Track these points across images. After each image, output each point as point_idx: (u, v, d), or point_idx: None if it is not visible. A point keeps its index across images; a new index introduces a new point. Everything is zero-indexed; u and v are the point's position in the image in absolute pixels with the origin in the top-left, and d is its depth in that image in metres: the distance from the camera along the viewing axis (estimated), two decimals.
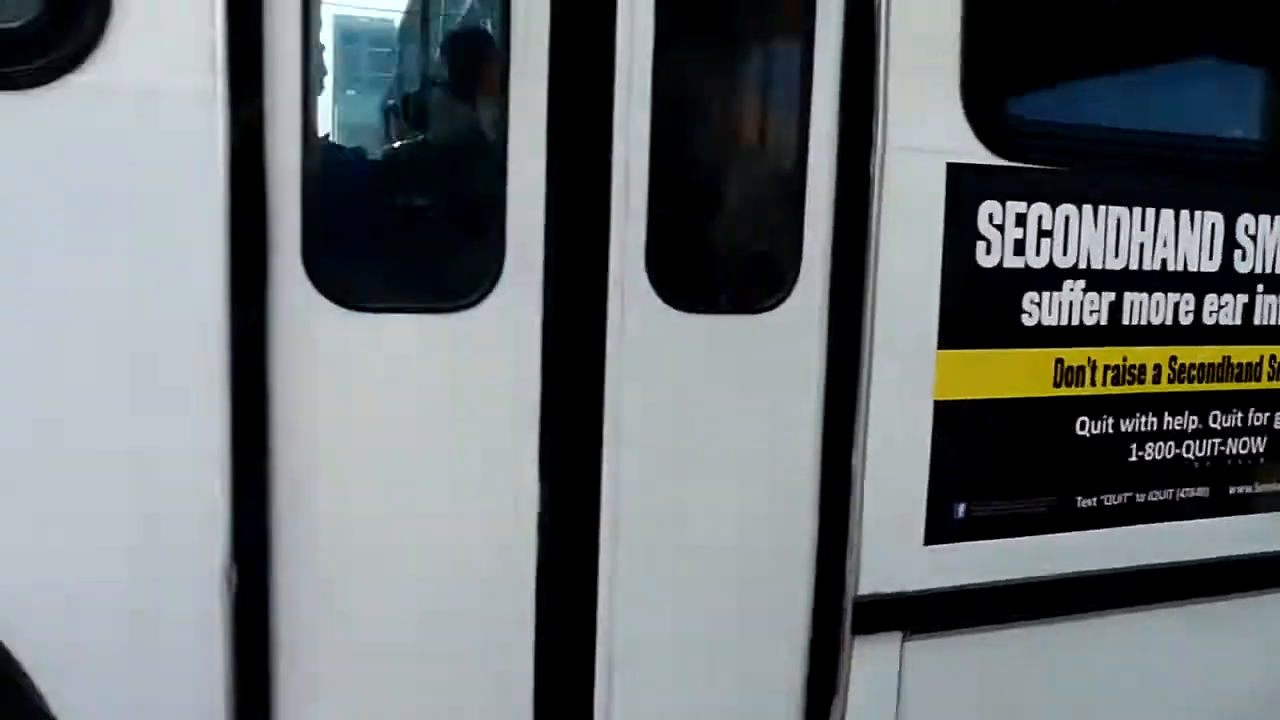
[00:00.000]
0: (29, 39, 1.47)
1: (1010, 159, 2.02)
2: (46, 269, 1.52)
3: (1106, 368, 2.16)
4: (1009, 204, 2.03)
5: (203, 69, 1.53)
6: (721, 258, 2.07)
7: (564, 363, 1.82)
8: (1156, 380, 2.20)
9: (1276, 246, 2.26)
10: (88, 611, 1.58)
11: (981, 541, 2.10)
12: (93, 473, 1.57)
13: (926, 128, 1.96)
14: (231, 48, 1.54)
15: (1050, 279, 2.09)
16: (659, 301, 1.86)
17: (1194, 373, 2.24)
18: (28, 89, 1.47)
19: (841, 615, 2.03)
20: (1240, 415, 2.29)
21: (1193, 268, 2.20)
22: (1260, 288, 2.26)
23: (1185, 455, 2.25)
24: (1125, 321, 2.16)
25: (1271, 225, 2.25)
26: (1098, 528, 2.19)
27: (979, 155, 2.00)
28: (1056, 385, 2.12)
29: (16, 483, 1.53)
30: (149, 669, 1.62)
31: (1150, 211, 2.14)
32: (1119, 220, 2.13)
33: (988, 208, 2.02)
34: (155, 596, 1.61)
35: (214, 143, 1.54)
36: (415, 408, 1.75)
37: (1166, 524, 2.24)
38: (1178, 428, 2.24)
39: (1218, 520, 2.28)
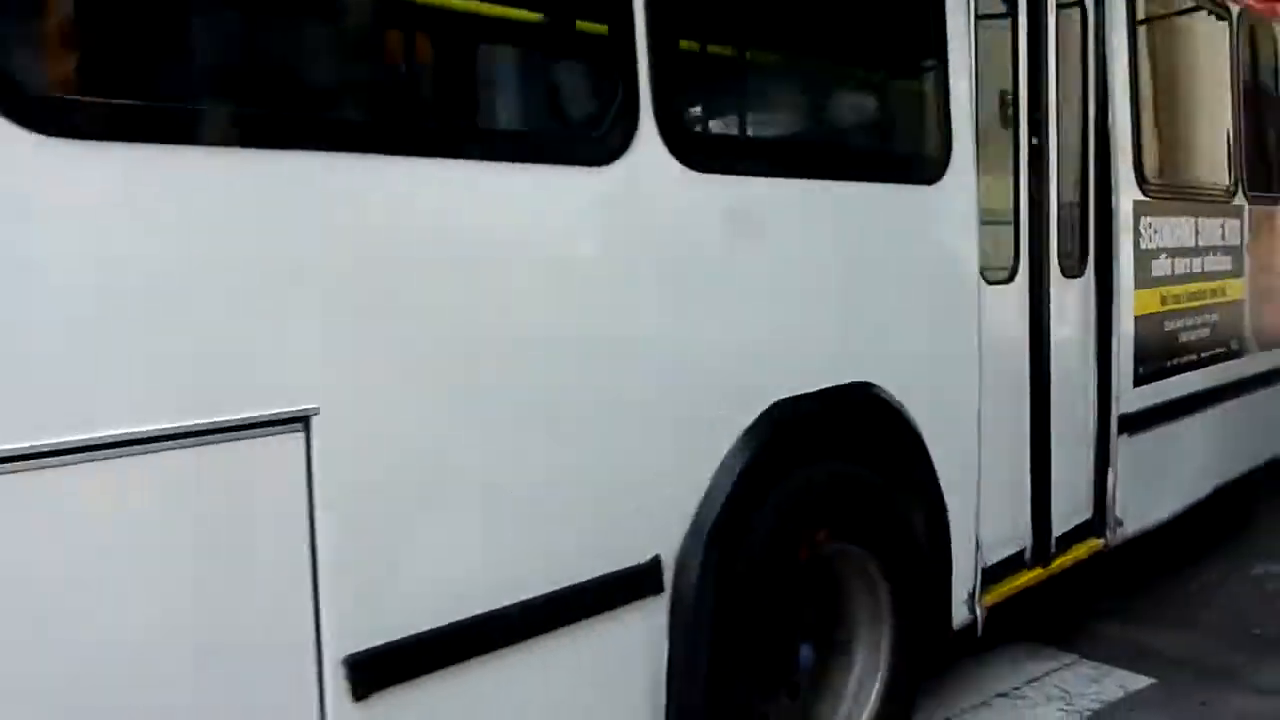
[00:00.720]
0: (933, 162, 3.21)
1: (1146, 197, 4.36)
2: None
3: (1174, 294, 4.58)
4: (1147, 217, 4.36)
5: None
6: (1078, 256, 4.14)
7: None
8: (1188, 300, 4.67)
9: (1225, 232, 4.85)
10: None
11: (1145, 385, 4.40)
12: None
13: (1126, 183, 4.23)
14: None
15: (1158, 253, 4.45)
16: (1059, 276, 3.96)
17: (1202, 296, 4.75)
18: (926, 186, 3.21)
19: (1110, 425, 4.22)
20: (1223, 316, 4.85)
21: (1203, 243, 4.72)
22: (1217, 254, 4.85)
23: (1197, 335, 4.75)
24: (1178, 272, 4.60)
25: (1222, 227, 4.85)
26: (1176, 375, 4.61)
27: (1140, 196, 4.31)
28: (1161, 304, 4.50)
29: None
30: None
31: (1188, 219, 4.61)
32: (1177, 223, 4.56)
33: (1143, 220, 4.33)
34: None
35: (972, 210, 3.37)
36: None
37: (1202, 368, 4.73)
38: (1197, 321, 4.73)
39: (1214, 366, 4.83)
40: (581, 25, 2.51)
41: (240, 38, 2.00)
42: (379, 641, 1.93)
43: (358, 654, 1.90)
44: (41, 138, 1.51)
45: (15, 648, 1.53)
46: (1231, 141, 5.20)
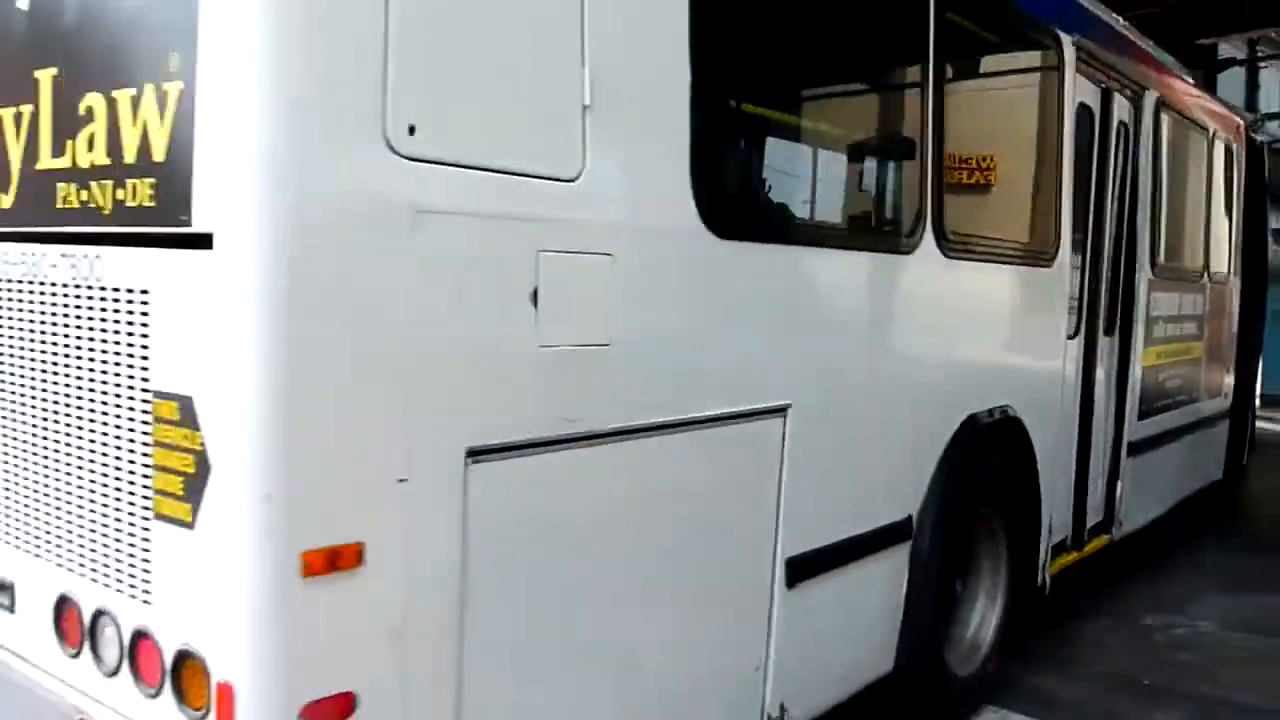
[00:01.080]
0: (1051, 251, 4.58)
1: (1154, 276, 5.86)
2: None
3: (1164, 351, 6.11)
4: (1154, 292, 5.86)
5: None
6: (1108, 319, 5.59)
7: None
8: (1170, 357, 6.22)
9: (1195, 305, 6.44)
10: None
11: (1144, 419, 5.90)
12: None
13: (1143, 266, 5.71)
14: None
15: (1158, 320, 5.97)
16: (1102, 335, 5.41)
17: (1179, 353, 6.30)
18: (1047, 268, 4.58)
19: (1122, 448, 5.69)
20: (1189, 369, 6.43)
21: (1184, 313, 6.28)
22: (1190, 323, 6.42)
23: (1174, 384, 6.30)
24: (1168, 334, 6.13)
25: (1194, 301, 6.42)
26: (1162, 414, 6.14)
27: (1151, 276, 5.80)
28: (1157, 359, 6.02)
29: None
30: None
31: (1176, 295, 6.15)
32: (1171, 298, 6.09)
33: (1151, 295, 5.83)
34: None
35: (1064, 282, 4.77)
36: None
37: (1179, 409, 6.29)
38: (1175, 373, 6.28)
39: (1182, 409, 6.40)
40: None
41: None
42: (802, 550, 3.15)
43: (793, 557, 3.12)
44: (722, 240, 2.72)
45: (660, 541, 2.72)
46: (1202, 233, 6.81)
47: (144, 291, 2.02)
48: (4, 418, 2.42)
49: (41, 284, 2.26)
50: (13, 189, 2.33)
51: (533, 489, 2.31)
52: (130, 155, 2.01)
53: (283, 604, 1.89)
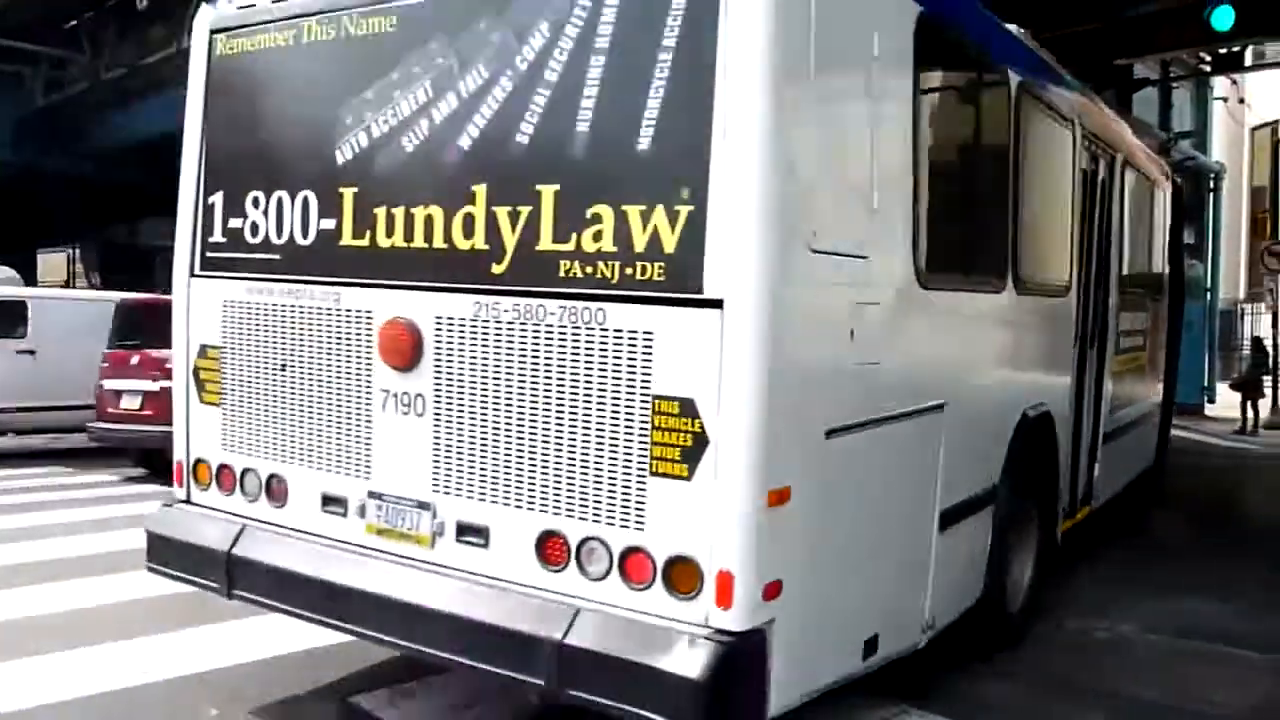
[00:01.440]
0: (1067, 285, 6.15)
1: (1120, 299, 7.53)
2: None
3: (1123, 360, 7.80)
4: (1120, 311, 7.54)
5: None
6: (1091, 333, 7.21)
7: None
8: (1127, 364, 7.92)
9: (1143, 321, 8.18)
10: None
11: (1112, 414, 7.56)
12: None
13: (1115, 290, 7.36)
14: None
15: (1122, 333, 7.65)
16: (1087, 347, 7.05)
17: (1132, 361, 8.02)
18: (1063, 298, 6.14)
19: (1099, 437, 7.33)
20: (1137, 374, 8.15)
21: (1134, 329, 8.00)
22: (1141, 335, 8.16)
23: (1129, 387, 8.02)
24: (1129, 345, 7.83)
25: (1141, 315, 8.16)
26: (1123, 409, 7.83)
27: (1118, 299, 7.47)
28: (1121, 365, 7.70)
29: None
30: None
31: (1134, 313, 7.86)
32: (1131, 315, 7.79)
33: (1120, 313, 7.50)
34: None
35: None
36: None
37: (1130, 407, 8.00)
38: (1129, 378, 8.00)
39: (1132, 406, 8.13)
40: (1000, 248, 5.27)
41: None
42: (948, 505, 4.59)
43: (944, 509, 4.56)
44: (923, 290, 4.14)
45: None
46: (1146, 260, 8.58)
47: (648, 333, 3.32)
48: (486, 412, 3.65)
49: (536, 325, 3.52)
50: (507, 260, 3.57)
51: (851, 454, 3.69)
52: (639, 246, 3.30)
53: (759, 522, 3.22)
